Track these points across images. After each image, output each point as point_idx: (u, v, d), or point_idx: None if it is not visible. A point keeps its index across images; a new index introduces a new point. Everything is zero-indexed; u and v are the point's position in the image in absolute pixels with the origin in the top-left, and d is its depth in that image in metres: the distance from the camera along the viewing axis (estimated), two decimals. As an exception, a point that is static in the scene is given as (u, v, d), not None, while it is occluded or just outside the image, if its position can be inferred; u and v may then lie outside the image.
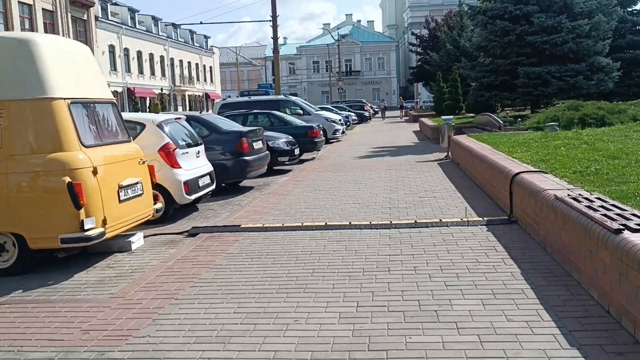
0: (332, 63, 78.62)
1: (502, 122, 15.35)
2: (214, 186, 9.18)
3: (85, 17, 42.11)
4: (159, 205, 7.12)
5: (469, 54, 41.39)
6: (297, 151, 13.94)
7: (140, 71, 51.63)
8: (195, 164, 8.58)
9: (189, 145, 8.71)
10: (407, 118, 46.78)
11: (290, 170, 13.87)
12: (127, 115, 8.58)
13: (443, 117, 15.14)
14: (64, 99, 5.79)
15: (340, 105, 46.65)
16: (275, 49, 34.46)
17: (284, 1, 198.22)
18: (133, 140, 7.93)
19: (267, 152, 11.69)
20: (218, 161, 10.20)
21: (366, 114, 44.75)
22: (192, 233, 7.13)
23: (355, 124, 40.58)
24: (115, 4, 49.37)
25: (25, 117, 5.63)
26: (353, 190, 9.93)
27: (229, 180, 10.51)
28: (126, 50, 48.76)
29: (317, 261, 5.54)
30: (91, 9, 42.58)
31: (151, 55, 53.63)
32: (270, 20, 34.56)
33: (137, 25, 52.02)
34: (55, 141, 5.66)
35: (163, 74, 56.38)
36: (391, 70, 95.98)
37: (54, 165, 5.58)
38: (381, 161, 14.78)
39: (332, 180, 11.49)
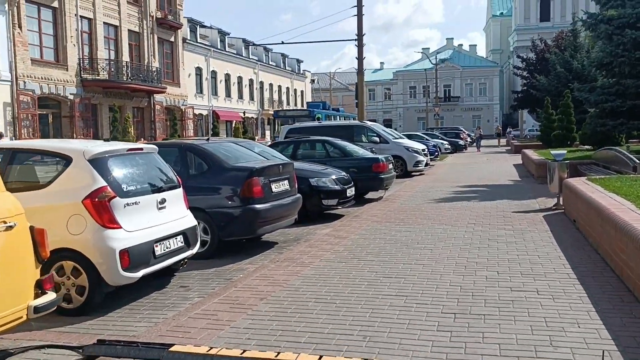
0: (430, 88, 74.63)
1: (638, 162, 11.21)
2: (192, 251, 6.13)
3: (172, 39, 41.61)
4: (46, 298, 4.14)
5: (583, 76, 36.13)
6: (351, 192, 10.67)
7: (228, 94, 50.73)
8: (154, 220, 5.58)
9: (153, 190, 5.75)
10: (509, 148, 41.96)
11: (341, 217, 10.62)
12: (44, 143, 5.79)
13: (553, 151, 11.25)
14: None
15: (433, 132, 42.88)
16: (360, 70, 31.49)
17: (388, 28, 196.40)
18: (52, 181, 5.11)
19: (298, 196, 8.51)
20: (218, 209, 7.20)
21: (461, 142, 40.52)
22: (90, 355, 4.08)
23: (448, 153, 36.62)
24: (206, 26, 48.97)
25: None
26: (407, 265, 6.50)
27: (232, 237, 7.43)
28: (214, 72, 47.98)
29: None
30: (179, 30, 42.05)
31: (239, 79, 52.71)
32: (355, 40, 31.81)
33: (227, 48, 51.34)
34: None
35: (252, 98, 55.32)
36: (493, 97, 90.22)
37: None
38: (465, 208, 11.13)
39: (385, 239, 8.10)
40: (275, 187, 7.69)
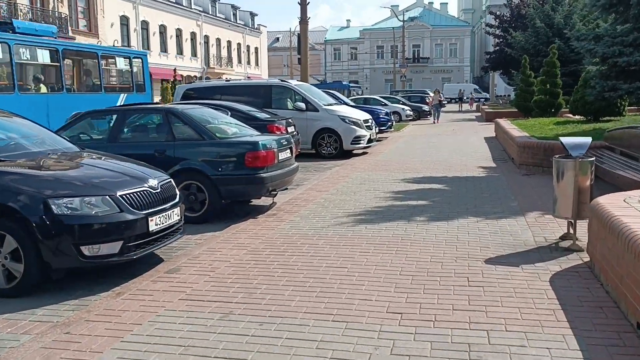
0: (398, 48, 68.87)
1: None
2: None
3: (88, -19, 34.88)
4: None
5: (566, 34, 30.99)
6: (165, 220, 5.26)
7: (164, 49, 44.26)
8: None
9: None
10: (479, 115, 37.00)
11: (126, 282, 5.27)
12: None
13: (565, 139, 5.93)
14: None
15: (395, 96, 37.55)
16: (303, 19, 25.79)
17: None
18: None
19: None
20: None
21: (426, 108, 35.28)
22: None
23: (410, 120, 31.40)
24: (136, -31, 42.08)
25: None
26: None
27: None
28: (144, 23, 41.39)
29: None
30: (97, -29, 35.32)
31: (179, 31, 46.14)
32: (298, -19, 25.91)
33: (163, -4, 44.62)
34: None
35: (194, 54, 48.88)
36: (464, 58, 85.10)
37: None
38: (397, 245, 5.87)
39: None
40: None
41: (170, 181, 5.62)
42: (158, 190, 5.26)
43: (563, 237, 5.99)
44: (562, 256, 5.36)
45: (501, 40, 48.13)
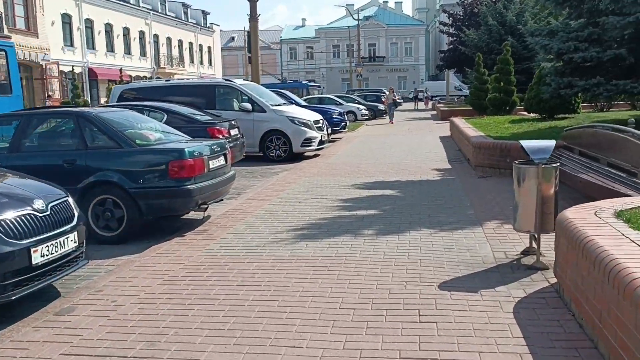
0: (354, 47, 68.49)
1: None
2: None
3: (26, -23, 32.98)
4: None
5: (517, 31, 31.00)
6: (45, 250, 4.28)
7: (110, 49, 42.50)
8: None
9: None
10: (434, 113, 36.79)
11: None
12: None
13: (526, 143, 5.27)
14: None
15: (351, 95, 37.06)
16: (253, 16, 24.79)
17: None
18: None
19: None
20: None
21: (382, 107, 34.79)
22: None
23: (366, 119, 30.87)
24: (79, -35, 40.20)
25: None
26: None
27: None
28: (89, 21, 39.59)
29: None
30: (35, -34, 33.44)
31: (126, 30, 44.43)
32: (248, -24, 24.91)
33: (108, -7, 42.86)
34: None
35: (143, 53, 47.19)
36: (419, 57, 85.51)
37: None
38: (345, 265, 5.10)
39: None
40: None
41: (66, 200, 4.67)
42: (46, 213, 4.32)
43: (525, 252, 5.34)
44: (526, 276, 4.69)
45: (455, 38, 48.26)
